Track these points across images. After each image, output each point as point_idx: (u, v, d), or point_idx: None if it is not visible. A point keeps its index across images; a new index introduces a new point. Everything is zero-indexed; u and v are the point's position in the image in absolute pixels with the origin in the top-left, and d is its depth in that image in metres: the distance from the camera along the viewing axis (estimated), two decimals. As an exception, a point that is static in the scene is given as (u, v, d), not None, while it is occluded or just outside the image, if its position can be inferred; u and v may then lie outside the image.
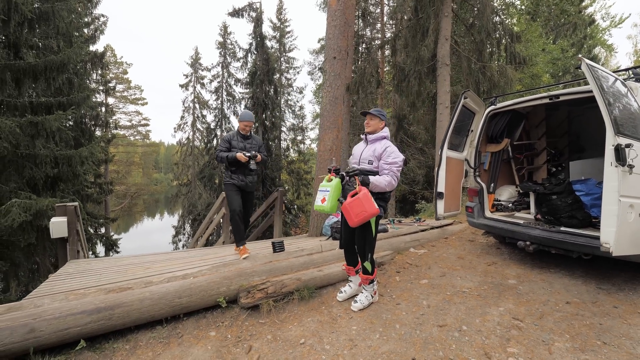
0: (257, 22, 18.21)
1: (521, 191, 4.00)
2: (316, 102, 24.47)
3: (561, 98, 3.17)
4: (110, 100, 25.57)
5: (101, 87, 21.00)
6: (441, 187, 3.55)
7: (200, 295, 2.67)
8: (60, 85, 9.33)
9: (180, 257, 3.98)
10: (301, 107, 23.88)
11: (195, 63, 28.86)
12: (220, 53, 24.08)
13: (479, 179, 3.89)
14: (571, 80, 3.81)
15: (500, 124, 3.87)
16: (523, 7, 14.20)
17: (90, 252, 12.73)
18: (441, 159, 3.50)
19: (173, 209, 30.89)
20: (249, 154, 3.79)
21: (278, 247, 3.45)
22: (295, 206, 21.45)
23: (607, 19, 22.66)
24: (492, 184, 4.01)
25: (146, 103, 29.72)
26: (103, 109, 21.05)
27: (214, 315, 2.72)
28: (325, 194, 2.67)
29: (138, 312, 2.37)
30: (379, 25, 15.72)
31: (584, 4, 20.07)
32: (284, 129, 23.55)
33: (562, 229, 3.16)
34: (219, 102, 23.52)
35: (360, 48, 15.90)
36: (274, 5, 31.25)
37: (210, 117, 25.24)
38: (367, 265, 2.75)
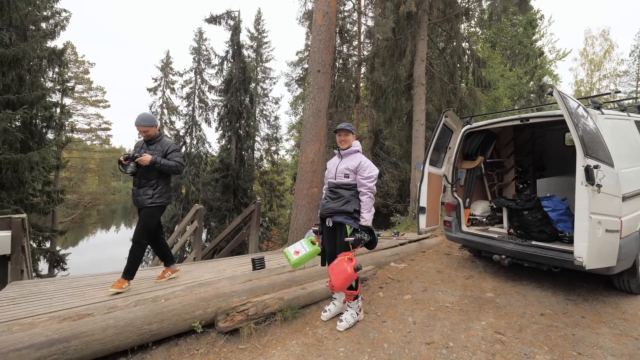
0: (235, 30, 18.06)
1: (495, 206, 4.20)
2: (292, 113, 24.52)
3: (531, 120, 3.41)
4: (68, 101, 23.73)
5: (58, 87, 19.46)
6: (423, 202, 3.63)
7: (172, 320, 2.44)
8: (9, 82, 8.49)
9: (147, 275, 3.67)
10: (276, 118, 23.80)
11: (165, 67, 27.87)
12: (194, 59, 23.51)
13: (455, 194, 4.03)
14: (539, 104, 4.11)
15: (475, 142, 4.08)
16: (484, 36, 15.43)
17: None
18: (423, 175, 3.59)
19: (132, 221, 28.94)
20: (126, 154, 3.00)
21: (258, 264, 3.30)
22: (267, 218, 21.03)
23: (553, 52, 25.44)
24: (468, 199, 4.18)
25: (108, 106, 28.01)
26: (58, 110, 19.45)
27: (188, 342, 2.50)
28: (302, 252, 2.76)
29: (100, 342, 2.09)
30: (355, 42, 16.24)
31: (534, 37, 22.35)
32: (258, 138, 23.26)
33: (533, 243, 3.34)
34: (190, 108, 22.75)
35: (337, 63, 16.30)
36: (252, 16, 31.29)
37: (179, 124, 24.34)
38: None
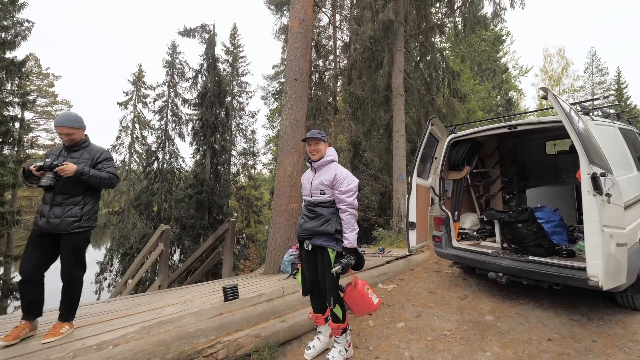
0: (210, 43, 17.70)
1: (485, 219, 3.99)
2: (269, 126, 24.16)
3: (519, 128, 3.26)
4: (29, 115, 22.09)
5: (17, 100, 18.02)
6: (412, 216, 3.34)
7: (120, 375, 1.94)
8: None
9: (97, 311, 3.08)
10: (253, 132, 23.36)
11: (137, 81, 26.87)
12: (167, 72, 22.76)
13: (444, 207, 3.79)
14: (530, 111, 4.01)
15: (462, 151, 3.90)
16: (456, 51, 16.04)
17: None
18: (411, 187, 3.32)
19: (100, 242, 26.89)
20: (40, 163, 2.24)
21: (231, 294, 2.83)
22: (245, 235, 20.17)
23: (516, 69, 27.15)
24: (457, 212, 3.95)
25: (74, 120, 26.27)
26: (17, 125, 17.94)
27: (140, 400, 1.98)
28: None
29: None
30: (331, 57, 16.34)
31: (499, 54, 23.74)
32: (234, 153, 22.62)
33: (531, 258, 3.11)
34: (162, 122, 21.82)
35: (314, 77, 16.27)
36: (227, 31, 31.15)
37: (152, 139, 23.24)
38: (337, 310, 2.32)
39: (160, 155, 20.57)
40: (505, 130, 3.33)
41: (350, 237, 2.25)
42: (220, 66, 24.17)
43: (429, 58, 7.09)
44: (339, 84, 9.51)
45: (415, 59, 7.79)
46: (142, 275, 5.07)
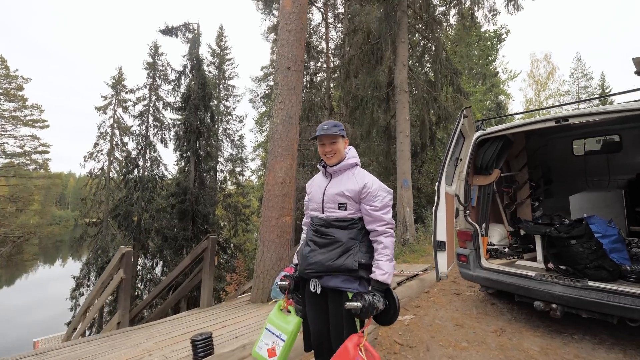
0: (194, 43, 16.85)
1: (522, 232, 3.32)
2: (258, 130, 23.36)
3: (571, 121, 2.61)
4: (-6, 121, 20.56)
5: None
6: (442, 234, 2.63)
7: None
8: None
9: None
10: (241, 137, 22.47)
11: (117, 84, 25.62)
12: (148, 74, 21.69)
13: (469, 219, 3.11)
14: (583, 100, 3.39)
15: (490, 152, 3.25)
16: (454, 51, 15.75)
17: None
18: (439, 196, 2.62)
19: (76, 254, 25.27)
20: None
21: (202, 349, 2.03)
22: (232, 245, 19.14)
23: (506, 73, 27.41)
24: (484, 224, 3.28)
25: (47, 126, 24.85)
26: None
27: None
28: (277, 340, 1.60)
29: None
30: (323, 58, 15.74)
31: (491, 57, 23.83)
32: (221, 159, 21.68)
33: (591, 284, 2.45)
34: (143, 127, 20.68)
35: (304, 79, 15.63)
36: (214, 32, 30.24)
37: (132, 145, 22.03)
38: None
39: (140, 163, 19.38)
40: (552, 124, 2.68)
41: (386, 268, 1.51)
42: (206, 69, 23.31)
43: (432, 52, 6.50)
44: (332, 85, 8.86)
45: (418, 53, 7.22)
46: (95, 314, 4.17)
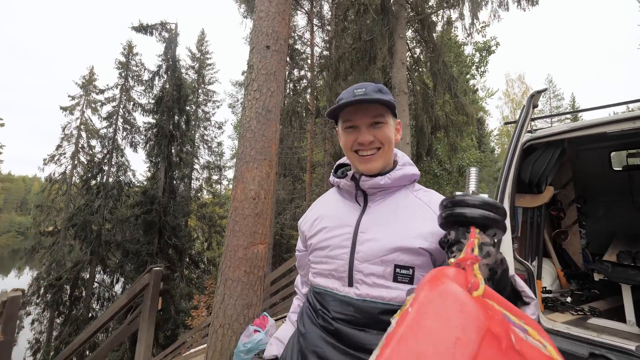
0: (170, 43, 15.72)
1: (595, 276, 2.43)
2: (237, 136, 22.20)
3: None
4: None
5: None
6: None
7: None
8: None
9: None
10: (219, 144, 21.16)
11: (88, 84, 23.84)
12: (120, 74, 20.14)
13: (517, 254, 2.21)
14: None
15: (543, 162, 2.41)
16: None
17: None
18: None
19: (24, 267, 22.70)
20: None
21: None
22: (205, 259, 17.60)
23: (484, 90, 27.98)
24: (536, 262, 2.39)
25: (2, 124, 22.53)
26: None
27: None
28: None
29: None
30: (307, 67, 15.01)
31: (467, 76, 24.20)
32: (197, 166, 20.26)
33: None
34: (111, 130, 19.00)
35: (287, 87, 14.80)
36: (194, 36, 29.14)
37: (98, 148, 20.18)
38: None
39: (105, 167, 17.62)
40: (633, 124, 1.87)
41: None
42: (185, 72, 22.09)
43: (431, 52, 5.83)
44: (320, 82, 8.04)
45: (415, 55, 6.55)
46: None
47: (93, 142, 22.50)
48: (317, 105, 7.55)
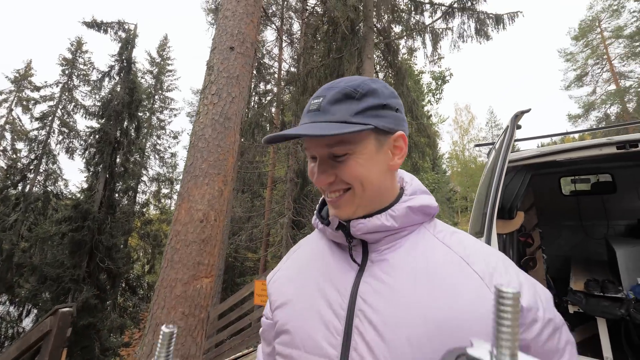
0: (127, 44, 14.55)
1: (571, 308, 2.30)
2: (193, 151, 20.95)
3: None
4: None
5: None
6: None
7: None
8: None
9: None
10: (173, 155, 19.70)
11: (21, 79, 21.16)
12: (63, 71, 18.16)
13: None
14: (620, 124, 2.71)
15: (515, 186, 2.32)
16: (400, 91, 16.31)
17: None
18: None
19: None
20: None
21: None
22: (146, 284, 15.69)
23: (436, 117, 30.27)
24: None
25: None
26: None
27: None
28: None
29: None
30: (274, 81, 14.83)
31: (423, 102, 26.08)
32: (145, 178, 18.52)
33: None
34: (43, 132, 16.75)
35: (252, 100, 14.41)
36: (156, 40, 27.65)
37: (25, 152, 17.58)
38: None
39: (30, 175, 15.26)
40: (613, 150, 1.84)
41: None
42: (141, 77, 20.64)
43: (396, 74, 5.94)
44: (286, 96, 7.78)
45: (380, 77, 6.65)
46: None
47: (20, 145, 19.64)
48: (283, 119, 7.27)
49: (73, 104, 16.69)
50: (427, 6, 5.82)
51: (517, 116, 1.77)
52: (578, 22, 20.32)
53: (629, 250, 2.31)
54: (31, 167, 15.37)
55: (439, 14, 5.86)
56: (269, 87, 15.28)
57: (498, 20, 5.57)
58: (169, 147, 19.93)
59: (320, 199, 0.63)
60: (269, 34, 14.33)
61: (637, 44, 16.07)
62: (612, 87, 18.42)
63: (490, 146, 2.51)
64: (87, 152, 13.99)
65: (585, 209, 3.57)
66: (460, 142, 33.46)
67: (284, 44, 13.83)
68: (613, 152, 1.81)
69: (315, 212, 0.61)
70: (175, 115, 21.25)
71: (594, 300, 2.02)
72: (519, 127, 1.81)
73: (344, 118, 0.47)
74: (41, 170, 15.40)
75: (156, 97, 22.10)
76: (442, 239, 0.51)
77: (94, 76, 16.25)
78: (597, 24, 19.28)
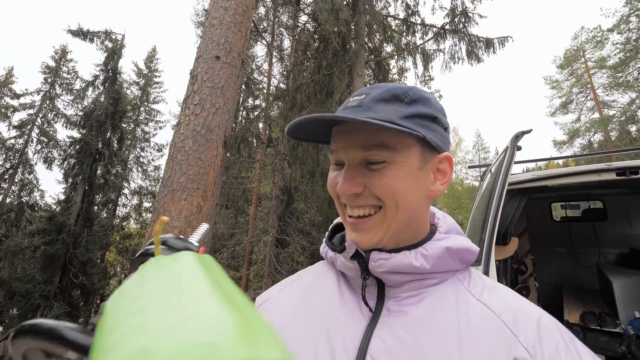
0: (113, 54, 14.38)
1: None
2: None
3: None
4: None
5: None
6: None
7: None
8: None
9: None
10: (157, 168, 19.21)
11: (2, 87, 20.51)
12: (46, 79, 17.71)
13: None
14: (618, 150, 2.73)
15: (509, 211, 2.26)
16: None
17: None
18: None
19: None
20: None
21: None
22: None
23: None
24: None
25: None
26: None
27: None
28: None
29: None
30: (262, 97, 14.87)
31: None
32: (126, 191, 17.90)
33: None
34: (21, 141, 16.11)
35: (239, 114, 14.33)
36: (144, 52, 27.54)
37: (0, 161, 16.77)
38: None
39: (5, 185, 14.51)
40: (612, 177, 1.82)
41: None
42: (127, 87, 20.34)
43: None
44: (274, 112, 7.75)
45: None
46: None
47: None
48: (270, 135, 7.20)
49: (54, 112, 16.20)
50: (419, 27, 5.97)
51: (518, 137, 1.73)
52: (563, 51, 21.30)
53: (625, 282, 2.27)
54: (6, 177, 14.63)
55: (430, 35, 6.01)
56: (257, 102, 15.27)
57: (488, 44, 5.74)
58: (152, 159, 19.47)
59: (334, 223, 0.54)
60: (259, 50, 14.49)
61: (620, 75, 16.88)
62: (596, 115, 19.15)
63: (485, 168, 2.48)
64: (66, 162, 13.49)
65: (576, 235, 3.54)
66: (445, 164, 34.19)
67: (274, 60, 13.97)
68: (612, 179, 1.79)
69: (325, 239, 0.52)
70: (160, 127, 20.93)
71: (592, 335, 1.94)
72: (519, 148, 1.78)
73: (390, 118, 0.39)
74: (16, 180, 14.70)
75: (142, 108, 21.75)
76: (478, 296, 0.41)
77: (78, 85, 15.91)
78: (581, 54, 20.30)
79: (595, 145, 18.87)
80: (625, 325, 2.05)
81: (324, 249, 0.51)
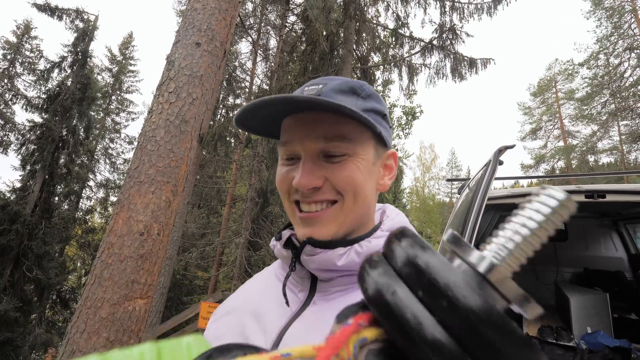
0: (84, 35, 13.53)
1: None
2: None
3: (609, 198, 1.84)
4: None
5: None
6: None
7: None
8: None
9: None
10: (126, 161, 18.23)
11: (-48, 61, 18.63)
12: (4, 56, 16.33)
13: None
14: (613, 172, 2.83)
15: (482, 226, 2.30)
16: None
17: None
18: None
19: None
20: None
21: None
22: (79, 297, 13.84)
23: (402, 152, 31.60)
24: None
25: None
26: None
27: None
28: None
29: None
30: (244, 95, 14.57)
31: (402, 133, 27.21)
32: (92, 183, 16.83)
33: None
34: (-28, 122, 14.70)
35: (219, 113, 13.92)
36: (119, 37, 26.09)
37: (-55, 142, 15.15)
38: None
39: (-52, 168, 13.10)
40: (581, 199, 1.89)
41: None
42: (98, 73, 19.21)
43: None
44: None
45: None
46: None
47: (-60, 134, 16.93)
48: (249, 135, 7.02)
49: (13, 93, 14.93)
50: (407, 39, 6.08)
51: (501, 151, 1.75)
52: (537, 80, 22.77)
53: (580, 299, 2.39)
54: (-51, 160, 13.22)
55: (417, 48, 6.14)
56: (238, 101, 14.95)
57: (472, 63, 5.94)
58: (122, 152, 18.47)
59: (279, 232, 0.49)
60: (244, 46, 14.25)
61: (585, 107, 18.12)
62: (561, 143, 20.52)
63: (464, 181, 2.51)
64: (24, 147, 12.44)
65: (539, 254, 3.70)
66: (421, 179, 34.71)
67: (258, 59, 13.76)
68: (580, 201, 1.86)
69: (276, 241, 0.48)
70: (133, 119, 19.94)
71: (548, 348, 2.01)
72: (501, 162, 1.80)
73: (352, 111, 0.37)
74: (-38, 165, 13.32)
75: (113, 97, 20.64)
76: None
77: (42, 66, 14.73)
78: (553, 84, 21.73)
79: (557, 172, 20.17)
80: (579, 340, 2.15)
81: (272, 242, 0.49)
